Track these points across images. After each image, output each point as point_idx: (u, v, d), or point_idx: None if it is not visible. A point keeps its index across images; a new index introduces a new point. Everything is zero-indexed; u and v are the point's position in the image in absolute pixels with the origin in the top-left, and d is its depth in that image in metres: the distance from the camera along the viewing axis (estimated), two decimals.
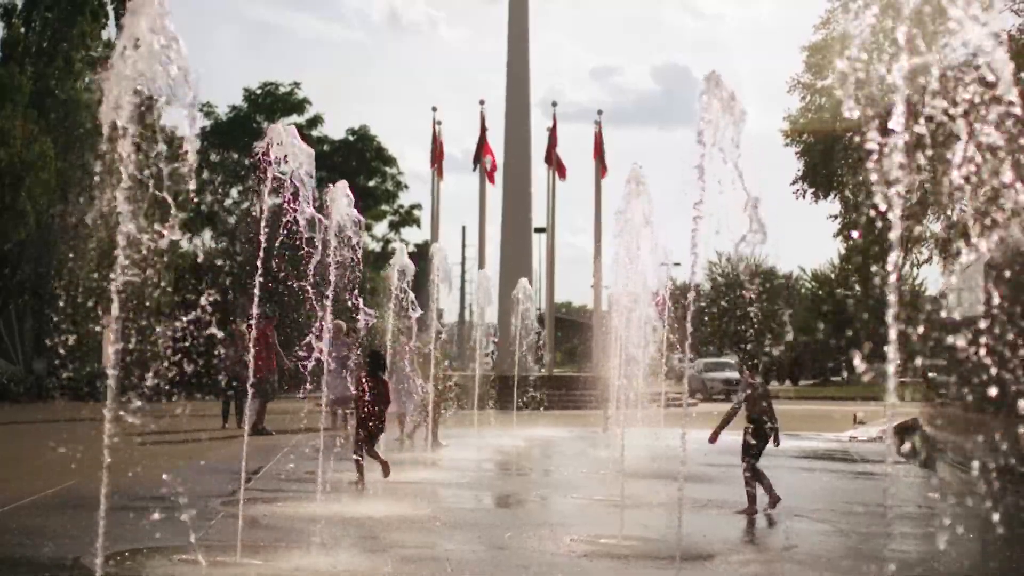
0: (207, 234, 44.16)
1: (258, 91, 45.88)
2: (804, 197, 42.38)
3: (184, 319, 6.46)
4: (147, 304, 6.35)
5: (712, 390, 44.09)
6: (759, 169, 6.85)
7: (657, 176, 11.23)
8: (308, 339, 10.82)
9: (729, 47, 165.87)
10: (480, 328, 26.61)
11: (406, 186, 48.34)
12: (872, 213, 3.86)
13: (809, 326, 61.76)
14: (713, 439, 11.37)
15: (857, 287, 54.82)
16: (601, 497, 12.52)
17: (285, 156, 9.07)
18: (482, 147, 40.02)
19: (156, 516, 8.78)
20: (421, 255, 29.78)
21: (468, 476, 14.84)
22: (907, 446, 18.51)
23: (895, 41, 3.74)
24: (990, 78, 3.54)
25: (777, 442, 11.52)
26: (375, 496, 11.83)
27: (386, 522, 10.27)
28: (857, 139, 3.77)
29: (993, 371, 3.98)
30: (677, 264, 21.20)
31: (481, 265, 37.56)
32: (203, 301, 6.54)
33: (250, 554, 8.17)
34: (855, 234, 39.48)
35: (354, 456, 12.53)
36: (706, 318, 59.46)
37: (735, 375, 39.29)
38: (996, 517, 5.23)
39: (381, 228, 48.17)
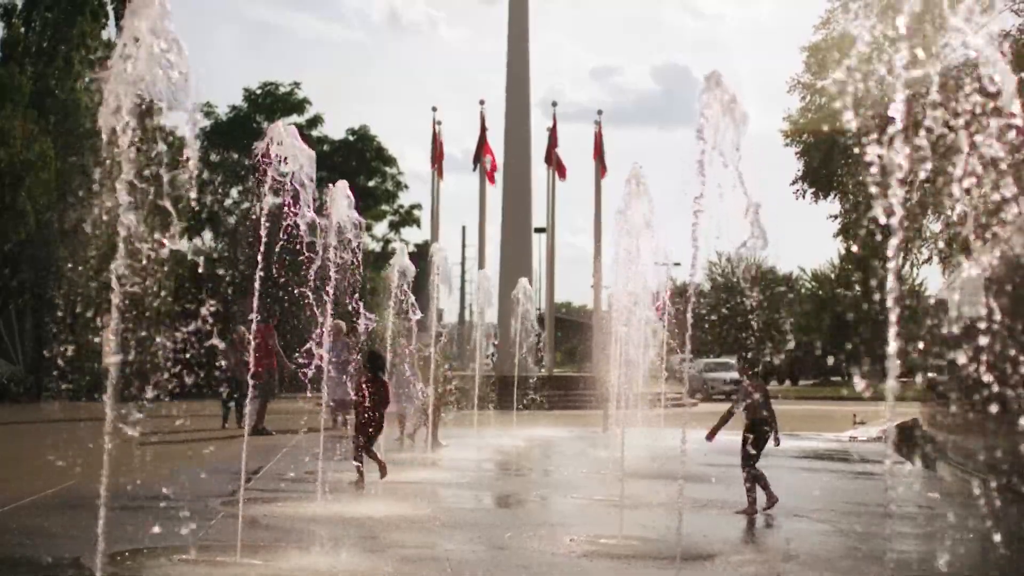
0: (207, 235, 44.24)
1: (258, 91, 45.84)
2: (804, 197, 42.29)
3: (184, 330, 6.41)
4: (147, 314, 6.31)
5: (713, 390, 44.10)
6: (759, 169, 6.86)
7: (657, 176, 11.21)
8: (308, 345, 10.79)
9: (729, 47, 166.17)
10: (480, 328, 26.57)
11: (406, 186, 48.34)
12: (871, 226, 3.84)
13: (809, 326, 61.74)
14: (710, 437, 11.40)
15: (857, 287, 54.81)
16: (601, 497, 12.52)
17: (285, 157, 9.05)
18: (482, 147, 39.98)
19: (156, 516, 8.81)
20: (421, 255, 29.73)
21: (468, 476, 14.83)
22: (907, 447, 18.51)
23: (895, 42, 3.73)
24: (991, 88, 3.53)
25: (777, 441, 11.52)
26: (375, 496, 11.84)
27: (386, 522, 10.27)
28: (856, 150, 3.75)
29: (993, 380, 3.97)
30: (677, 264, 21.16)
31: (481, 265, 37.54)
32: (204, 312, 6.48)
33: (250, 554, 8.16)
34: (855, 248, 39.40)
35: (354, 463, 12.55)
36: (707, 325, 59.32)
37: (735, 375, 39.26)
38: (996, 517, 5.23)
39: (381, 228, 48.18)
